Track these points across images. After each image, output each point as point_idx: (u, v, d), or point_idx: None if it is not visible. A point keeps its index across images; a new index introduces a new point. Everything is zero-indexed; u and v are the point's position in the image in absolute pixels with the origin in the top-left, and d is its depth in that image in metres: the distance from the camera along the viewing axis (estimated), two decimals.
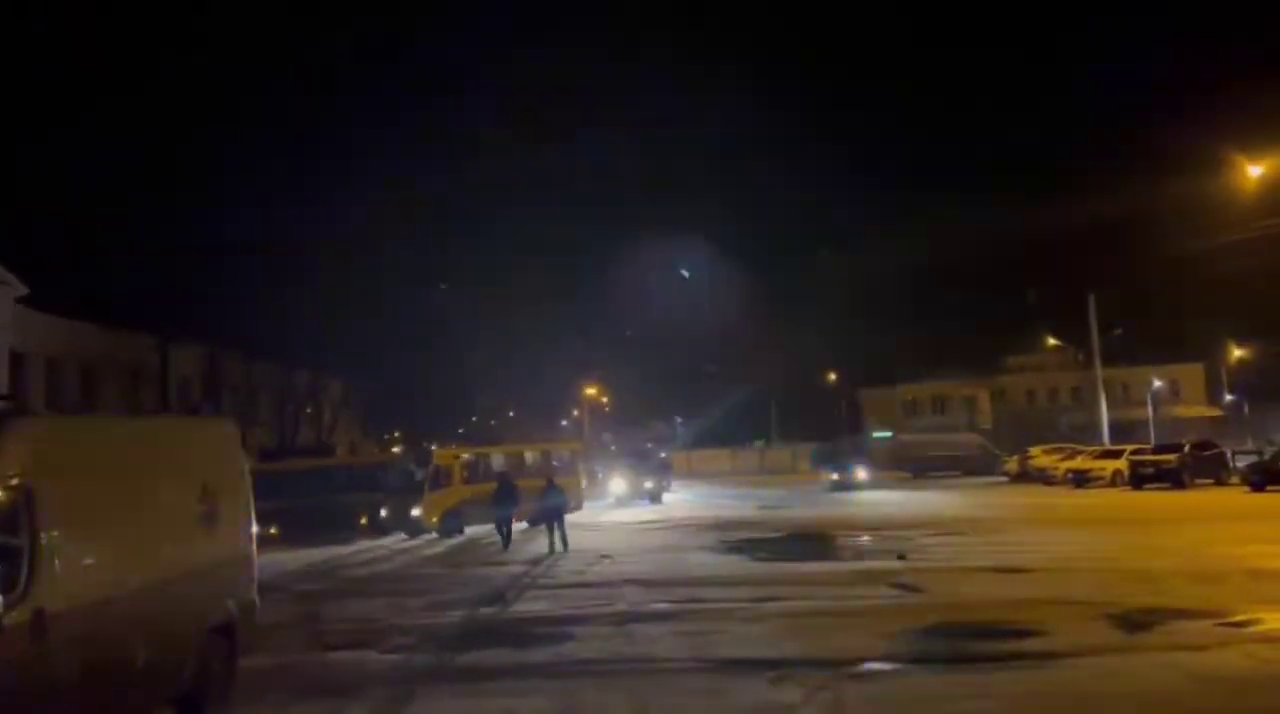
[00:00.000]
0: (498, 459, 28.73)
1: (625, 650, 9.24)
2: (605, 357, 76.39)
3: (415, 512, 25.97)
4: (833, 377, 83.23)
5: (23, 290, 36.45)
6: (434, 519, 25.90)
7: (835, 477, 39.54)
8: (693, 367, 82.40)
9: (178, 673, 6.67)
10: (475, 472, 27.96)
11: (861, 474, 39.64)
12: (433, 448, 32.24)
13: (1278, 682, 7.01)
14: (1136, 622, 9.29)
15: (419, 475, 28.56)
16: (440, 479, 26.99)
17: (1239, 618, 9.30)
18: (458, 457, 28.68)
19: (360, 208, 46.68)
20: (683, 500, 36.39)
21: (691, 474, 69.22)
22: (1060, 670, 7.65)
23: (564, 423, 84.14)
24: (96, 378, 45.13)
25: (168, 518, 6.71)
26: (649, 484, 36.57)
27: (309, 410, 58.02)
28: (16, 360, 39.73)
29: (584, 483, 28.01)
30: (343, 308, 46.50)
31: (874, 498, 32.92)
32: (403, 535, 25.74)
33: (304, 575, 17.66)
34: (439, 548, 22.41)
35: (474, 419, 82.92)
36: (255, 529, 8.22)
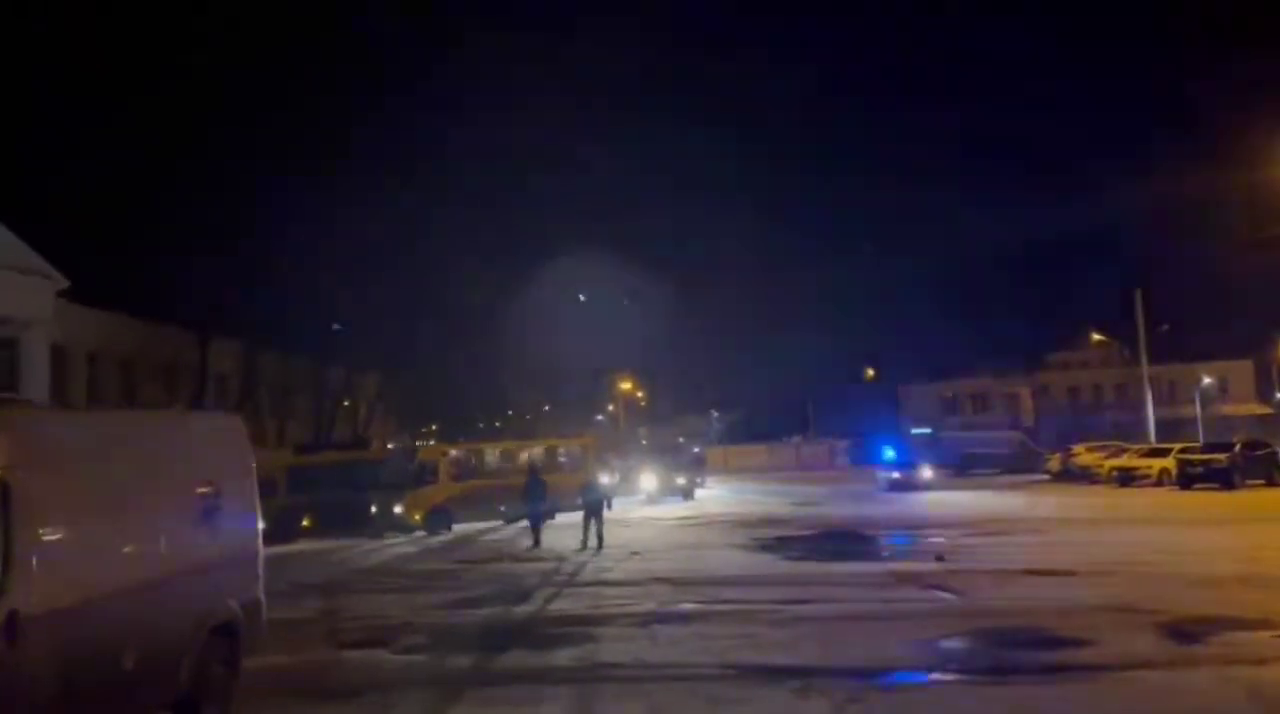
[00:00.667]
0: (492, 454, 28.18)
1: (648, 655, 8.85)
2: (643, 351, 76.01)
3: (398, 509, 25.57)
4: (871, 372, 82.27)
5: (64, 283, 36.82)
6: (417, 516, 25.43)
7: (896, 475, 35.89)
8: (731, 361, 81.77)
9: (172, 676, 6.38)
10: (466, 468, 27.54)
11: (927, 473, 36.70)
12: (419, 443, 31.85)
13: None
14: (1189, 632, 8.73)
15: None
16: (426, 475, 26.59)
17: None
18: (445, 452, 28.25)
19: (399, 203, 46.59)
20: (716, 496, 35.94)
21: (728, 470, 68.79)
22: (1108, 685, 7.14)
23: (599, 417, 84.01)
24: (136, 373, 45.59)
25: (161, 515, 6.42)
26: (681, 480, 35.84)
27: (345, 405, 58.35)
28: (58, 354, 40.15)
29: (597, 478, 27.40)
30: (377, 303, 46.55)
31: (915, 498, 32.26)
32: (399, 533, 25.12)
33: (326, 569, 17.48)
34: (470, 544, 22.11)
35: (510, 413, 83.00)
36: (262, 525, 7.93)
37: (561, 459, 28.75)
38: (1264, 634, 8.59)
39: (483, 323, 54.87)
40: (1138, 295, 45.37)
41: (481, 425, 77.51)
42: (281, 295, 41.80)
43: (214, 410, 9.16)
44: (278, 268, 41.81)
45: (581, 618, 10.99)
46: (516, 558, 17.88)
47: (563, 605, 12.05)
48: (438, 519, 25.20)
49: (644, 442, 43.45)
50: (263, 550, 7.93)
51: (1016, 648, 8.48)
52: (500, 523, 25.25)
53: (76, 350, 41.74)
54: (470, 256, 48.86)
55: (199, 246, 39.93)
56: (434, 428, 66.91)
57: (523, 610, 11.90)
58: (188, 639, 6.56)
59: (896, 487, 34.72)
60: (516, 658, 9.05)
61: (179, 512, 6.65)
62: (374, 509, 25.72)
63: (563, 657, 8.93)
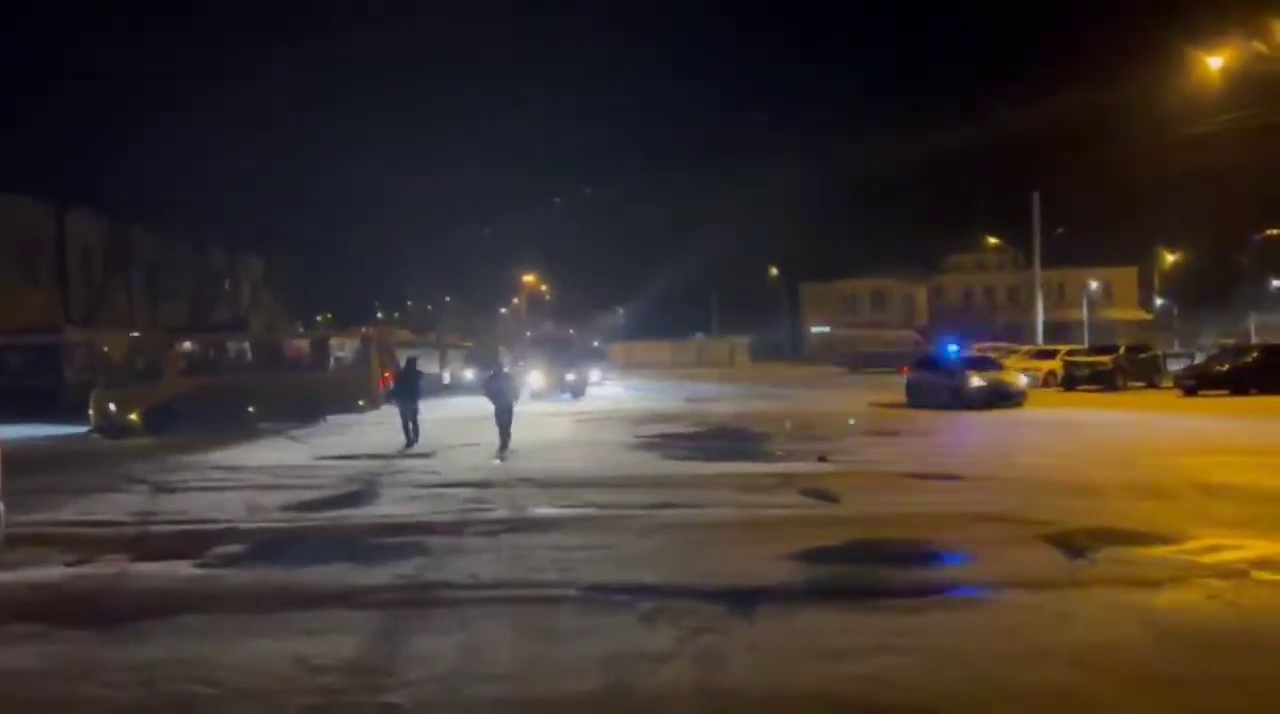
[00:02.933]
0: (237, 347, 25.32)
1: (487, 572, 7.75)
2: (548, 245, 74.01)
3: (112, 406, 22.74)
4: (774, 271, 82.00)
5: None
6: (133, 415, 22.55)
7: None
8: (637, 257, 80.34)
9: None
10: (203, 363, 24.61)
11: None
12: (133, 334, 28.74)
13: (1248, 635, 5.73)
14: (1079, 546, 8.03)
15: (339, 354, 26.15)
16: (139, 368, 23.99)
17: (1194, 545, 8.09)
18: (171, 344, 25.13)
19: (281, 70, 43.27)
20: (612, 394, 35.06)
21: (631, 365, 68.29)
22: (991, 613, 6.32)
23: (503, 311, 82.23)
24: None
25: None
26: (570, 376, 33.48)
27: (226, 288, 55.23)
28: None
29: (377, 376, 24.55)
30: (260, 179, 43.57)
31: (807, 394, 31.97)
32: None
33: (171, 468, 15.92)
34: (320, 441, 20.64)
35: (409, 304, 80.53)
36: None
37: (339, 354, 26.01)
38: (1158, 550, 7.95)
39: (381, 210, 52.23)
40: (1035, 199, 45.61)
41: (380, 315, 75.11)
42: (151, 166, 38.67)
43: None
44: (145, 137, 38.56)
45: (426, 525, 9.84)
46: (378, 456, 16.61)
47: (411, 510, 10.87)
48: (159, 420, 22.19)
49: (528, 335, 41.03)
50: None
51: (893, 564, 7.64)
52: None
53: None
54: (373, 138, 46.08)
55: (52, 112, 36.44)
56: (328, 316, 64.28)
57: (362, 515, 10.69)
58: None
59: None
60: (336, 573, 7.86)
61: None
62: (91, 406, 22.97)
63: (388, 574, 7.77)
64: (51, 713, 4.90)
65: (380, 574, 7.77)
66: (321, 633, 6.21)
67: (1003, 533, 8.78)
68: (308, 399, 23.50)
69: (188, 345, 25.27)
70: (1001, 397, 23.59)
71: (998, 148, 63.88)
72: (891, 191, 78.70)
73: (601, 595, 6.93)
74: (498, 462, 15.28)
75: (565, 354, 36.17)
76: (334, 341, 26.66)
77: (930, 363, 27.04)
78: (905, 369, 28.26)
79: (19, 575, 7.98)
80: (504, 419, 16.89)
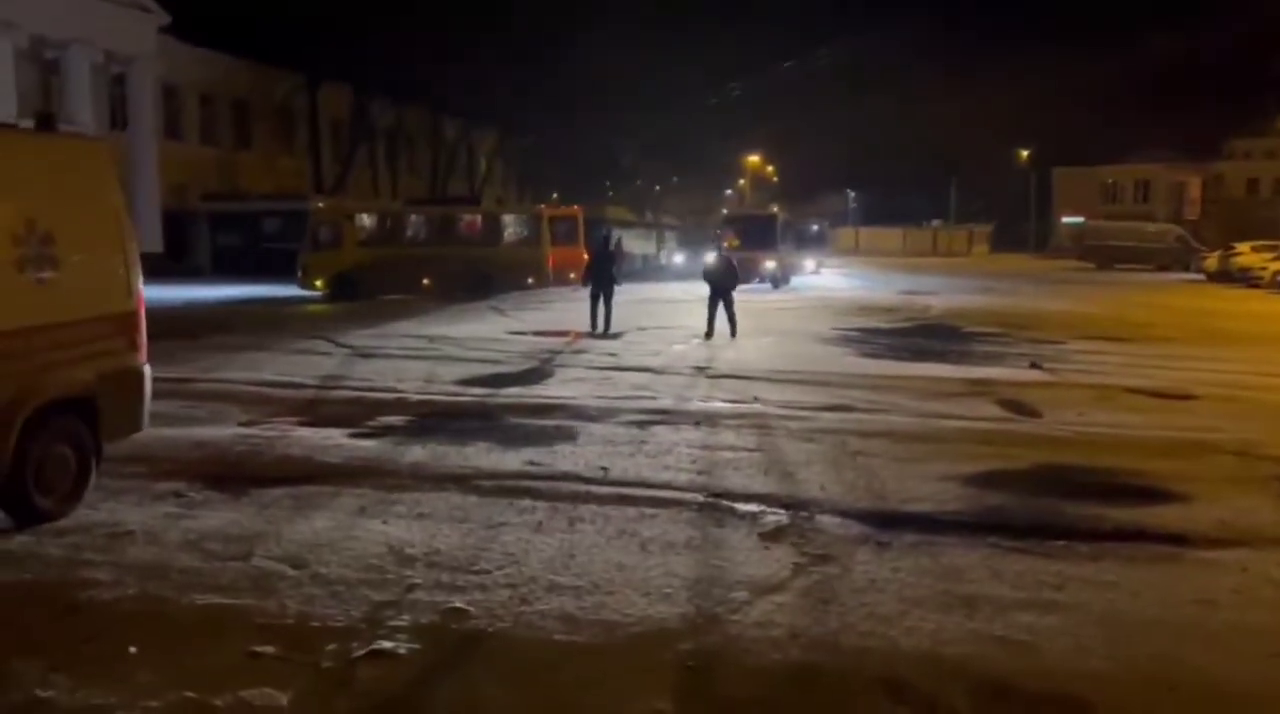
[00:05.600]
0: (416, 221, 25.80)
1: (618, 467, 7.32)
2: (777, 126, 71.27)
3: (300, 273, 24.22)
4: (1025, 154, 75.42)
5: (165, 19, 35.87)
6: (318, 282, 23.81)
7: None
8: (870, 139, 75.99)
9: None
10: (379, 235, 25.22)
11: None
12: (318, 204, 28.73)
13: None
14: None
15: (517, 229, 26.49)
16: (323, 237, 24.56)
17: None
18: (350, 215, 25.68)
19: None
20: (826, 283, 33.32)
21: (859, 252, 65.77)
22: (1182, 572, 5.18)
23: (728, 192, 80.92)
24: (249, 115, 45.39)
25: None
26: (770, 262, 29.07)
27: (461, 160, 57.20)
28: (170, 93, 40.01)
29: (547, 253, 25.01)
30: (493, 55, 44.16)
31: (1033, 290, 29.29)
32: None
33: (377, 333, 16.57)
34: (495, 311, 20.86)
35: (639, 183, 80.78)
36: (141, 286, 6.54)
37: (507, 232, 26.13)
38: None
39: (610, 91, 51.82)
40: None
41: (611, 194, 75.87)
42: (392, 40, 40.02)
43: (71, 129, 7.36)
44: (390, 13, 39.82)
45: (580, 410, 9.53)
46: (566, 333, 16.57)
47: (574, 392, 10.62)
48: (341, 287, 23.32)
49: (724, 212, 38.43)
50: (143, 311, 6.59)
51: (1079, 498, 6.52)
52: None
53: (188, 90, 41.48)
54: (600, 23, 45.50)
55: None
56: (555, 196, 65.56)
57: (523, 394, 10.53)
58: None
59: None
60: (472, 454, 7.69)
61: None
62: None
63: (520, 459, 7.51)
64: (141, 579, 4.90)
65: (513, 459, 7.52)
66: (428, 517, 6.01)
67: (1229, 469, 7.37)
68: (479, 273, 24.03)
69: (366, 217, 26.21)
70: None
71: None
72: (1167, 67, 69.57)
73: (727, 505, 6.33)
74: (701, 344, 14.83)
75: (766, 235, 30.10)
76: (507, 218, 26.89)
77: None
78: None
79: (189, 432, 8.36)
80: (717, 303, 15.84)
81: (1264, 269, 30.45)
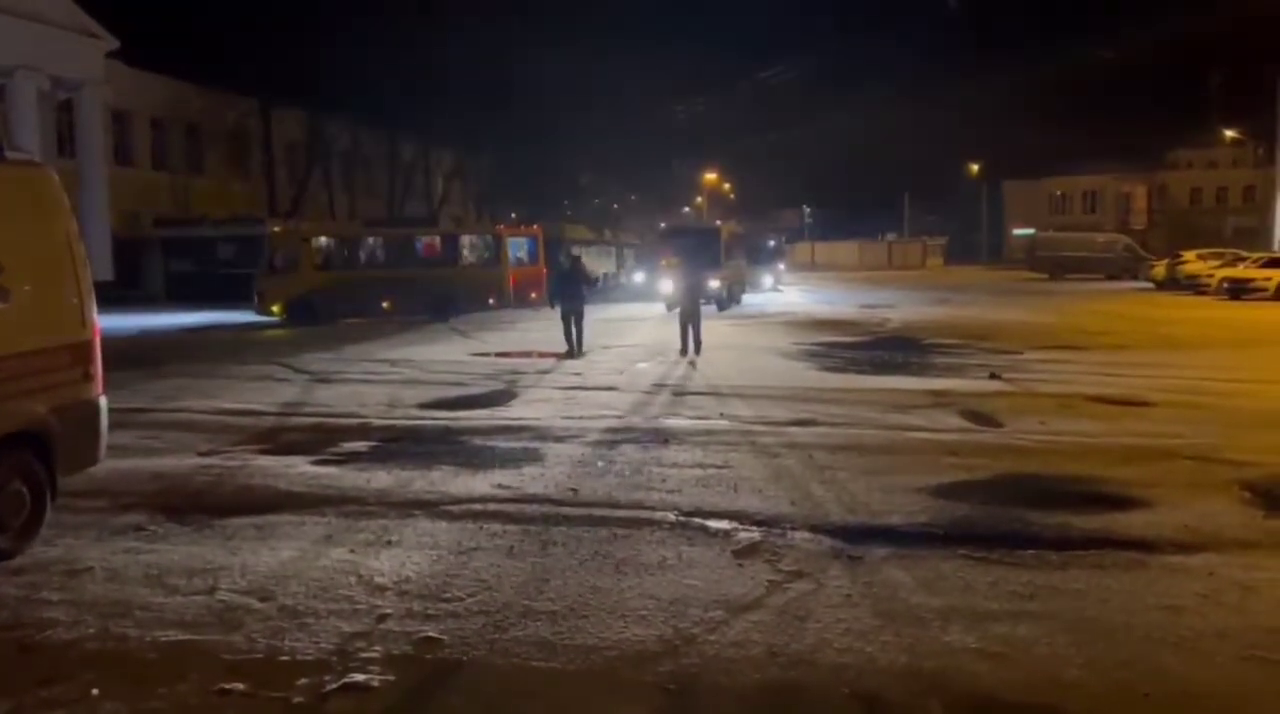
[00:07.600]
0: (372, 243, 25.41)
1: (587, 487, 7.28)
2: (733, 144, 71.93)
3: (257, 298, 24.00)
4: (975, 168, 76.72)
5: (114, 44, 35.33)
6: (275, 307, 23.59)
7: None
8: (825, 156, 77.05)
9: None
10: (337, 258, 24.87)
11: None
12: (275, 228, 28.67)
13: None
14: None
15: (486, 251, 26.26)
16: (281, 262, 24.32)
17: None
18: (306, 238, 25.47)
19: None
20: (783, 298, 33.52)
21: (814, 266, 66.35)
22: (1151, 577, 5.25)
23: (685, 210, 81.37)
24: (202, 139, 44.79)
25: None
26: (714, 282, 24.69)
27: (418, 181, 56.87)
28: (120, 118, 39.37)
29: (508, 273, 25.11)
30: (451, 77, 44.08)
31: (992, 301, 29.73)
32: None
33: (335, 358, 16.38)
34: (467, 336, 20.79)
35: (596, 202, 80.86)
36: (96, 314, 6.40)
37: (466, 252, 25.83)
38: None
39: (567, 110, 51.95)
40: None
41: (570, 213, 75.87)
42: (347, 61, 39.76)
43: (19, 157, 7.09)
44: (343, 35, 39.59)
45: (547, 431, 9.48)
46: (528, 354, 16.50)
47: (540, 413, 10.55)
48: (299, 312, 23.10)
49: (661, 225, 37.68)
50: (98, 340, 6.45)
51: (1044, 506, 6.60)
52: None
53: (139, 115, 40.85)
54: (557, 42, 45.67)
55: (254, 10, 37.75)
56: (514, 215, 65.44)
57: (490, 416, 10.46)
58: None
59: None
60: (440, 479, 7.60)
61: None
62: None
63: (488, 482, 7.44)
64: (102, 617, 4.77)
65: (481, 482, 7.45)
66: (397, 544, 5.93)
67: (1189, 474, 7.50)
68: (439, 295, 23.86)
69: (323, 240, 25.89)
70: None
71: (1237, 24, 56.07)
72: (1110, 80, 71.25)
73: (699, 523, 6.31)
74: (665, 362, 14.85)
75: (707, 251, 25.97)
76: (466, 238, 26.68)
77: None
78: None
79: (148, 464, 8.18)
80: (687, 324, 15.72)
81: (1210, 276, 31.17)
